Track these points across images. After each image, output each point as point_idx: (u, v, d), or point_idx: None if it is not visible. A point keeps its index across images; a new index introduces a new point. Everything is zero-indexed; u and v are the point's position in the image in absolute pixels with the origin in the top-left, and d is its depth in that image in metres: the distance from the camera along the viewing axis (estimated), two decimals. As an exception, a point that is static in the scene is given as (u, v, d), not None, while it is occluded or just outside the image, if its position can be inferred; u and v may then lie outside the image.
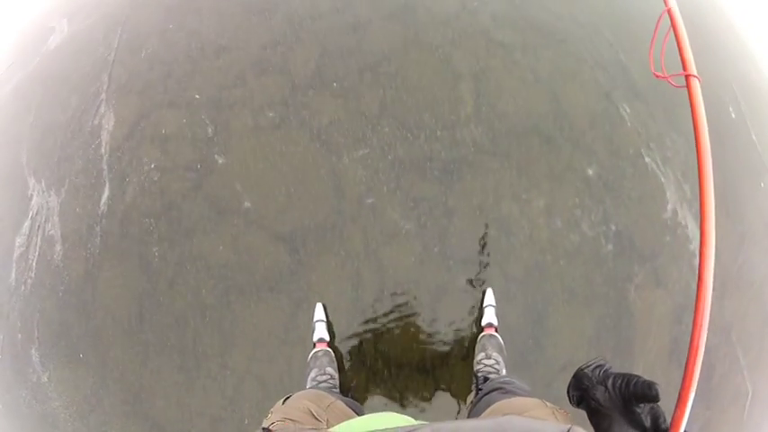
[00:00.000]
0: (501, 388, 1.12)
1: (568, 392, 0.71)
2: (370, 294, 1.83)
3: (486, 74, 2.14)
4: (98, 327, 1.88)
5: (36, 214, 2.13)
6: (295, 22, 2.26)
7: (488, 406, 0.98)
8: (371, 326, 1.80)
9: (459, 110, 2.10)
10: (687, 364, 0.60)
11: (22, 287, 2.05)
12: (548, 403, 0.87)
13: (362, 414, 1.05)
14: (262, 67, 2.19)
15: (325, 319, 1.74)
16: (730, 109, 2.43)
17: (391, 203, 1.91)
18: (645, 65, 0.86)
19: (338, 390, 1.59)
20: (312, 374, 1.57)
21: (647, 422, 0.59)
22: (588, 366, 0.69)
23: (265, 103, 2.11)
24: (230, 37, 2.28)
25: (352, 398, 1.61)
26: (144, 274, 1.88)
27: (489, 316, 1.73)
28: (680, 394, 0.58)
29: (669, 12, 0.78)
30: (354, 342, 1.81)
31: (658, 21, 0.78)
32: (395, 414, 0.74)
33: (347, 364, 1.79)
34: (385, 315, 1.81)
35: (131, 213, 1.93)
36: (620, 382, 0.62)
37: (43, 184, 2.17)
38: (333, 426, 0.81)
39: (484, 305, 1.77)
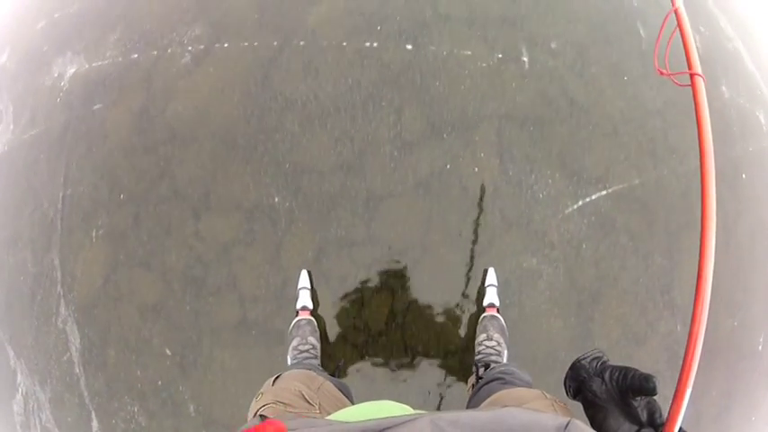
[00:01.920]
0: (501, 378, 1.00)
1: (565, 383, 0.62)
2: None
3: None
4: None
5: (27, 395, 1.79)
6: (291, 184, 1.45)
7: (488, 396, 0.89)
8: (362, 303, 1.49)
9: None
10: (685, 358, 0.52)
11: (33, 454, 1.88)
12: (547, 395, 0.78)
13: (350, 395, 1.01)
14: (243, 248, 1.51)
15: (309, 287, 1.48)
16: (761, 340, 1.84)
17: None
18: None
19: (319, 359, 1.43)
20: (294, 343, 1.40)
21: (643, 416, 0.52)
22: (585, 358, 0.60)
23: (248, 301, 1.54)
24: (204, 197, 1.52)
25: (338, 377, 1.49)
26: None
27: (491, 296, 1.45)
28: (677, 389, 0.51)
29: (676, 11, 0.69)
30: (344, 317, 1.51)
31: (665, 19, 0.69)
32: (391, 402, 0.65)
33: (337, 340, 1.51)
34: (378, 293, 1.49)
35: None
36: (617, 374, 0.54)
37: (23, 364, 1.76)
38: (325, 410, 0.77)
39: (485, 284, 1.47)
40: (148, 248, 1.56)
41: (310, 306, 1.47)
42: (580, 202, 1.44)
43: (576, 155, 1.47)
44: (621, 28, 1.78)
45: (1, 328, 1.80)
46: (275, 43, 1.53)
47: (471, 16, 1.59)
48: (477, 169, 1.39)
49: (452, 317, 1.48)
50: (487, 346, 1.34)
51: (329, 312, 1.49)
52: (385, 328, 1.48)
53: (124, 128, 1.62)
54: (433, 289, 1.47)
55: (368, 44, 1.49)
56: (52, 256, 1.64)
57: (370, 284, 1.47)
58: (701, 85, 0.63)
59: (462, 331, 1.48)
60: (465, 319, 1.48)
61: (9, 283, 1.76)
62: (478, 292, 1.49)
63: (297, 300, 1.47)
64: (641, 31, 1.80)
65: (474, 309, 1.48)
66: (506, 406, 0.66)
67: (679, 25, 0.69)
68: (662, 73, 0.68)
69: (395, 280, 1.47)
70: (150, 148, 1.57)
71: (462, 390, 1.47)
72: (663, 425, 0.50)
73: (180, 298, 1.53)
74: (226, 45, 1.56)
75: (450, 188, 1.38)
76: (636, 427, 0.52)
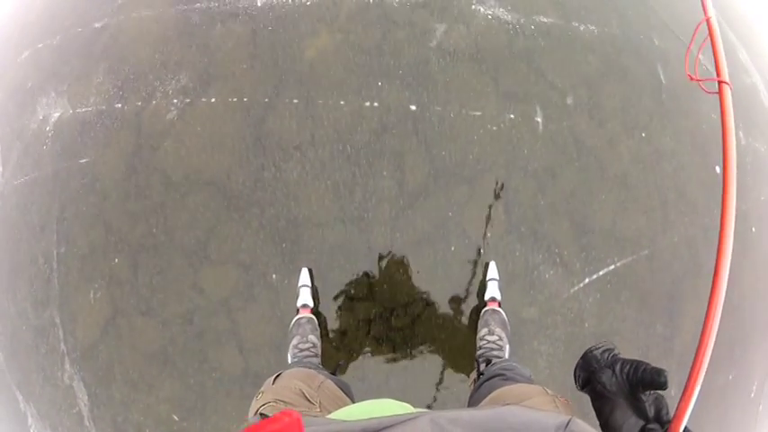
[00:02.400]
0: (502, 374, 0.94)
1: (575, 373, 0.58)
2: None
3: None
4: None
5: (39, 436, 1.73)
6: (288, 264, 1.29)
7: (489, 392, 0.84)
8: (361, 297, 1.36)
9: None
10: (696, 356, 0.49)
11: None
12: (548, 391, 0.73)
13: (351, 393, 0.97)
14: (242, 303, 1.38)
15: (310, 285, 1.36)
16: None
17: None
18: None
19: (320, 357, 1.35)
20: (294, 342, 1.31)
21: (651, 412, 0.48)
22: (597, 348, 0.56)
23: (249, 350, 1.43)
24: (198, 265, 1.37)
25: (339, 375, 1.42)
26: None
27: (492, 290, 1.32)
28: (686, 386, 0.48)
29: (708, 21, 0.68)
30: (345, 315, 1.37)
31: (697, 27, 0.68)
32: (392, 401, 0.61)
33: (338, 338, 1.38)
34: (379, 288, 1.34)
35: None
36: (628, 367, 0.51)
37: (33, 407, 1.69)
38: (326, 408, 0.74)
39: (487, 278, 1.35)
40: (148, 308, 1.42)
41: (311, 304, 1.35)
42: (587, 280, 1.28)
43: (587, 227, 1.30)
44: (641, 73, 1.53)
45: (9, 372, 1.72)
46: (266, 100, 1.31)
47: (482, 67, 1.35)
48: (483, 251, 1.22)
49: (454, 313, 1.36)
50: (489, 341, 1.23)
51: (330, 310, 1.36)
52: (386, 326, 1.39)
53: (113, 185, 1.44)
54: (434, 286, 1.33)
55: (368, 104, 1.27)
56: (52, 313, 1.52)
57: (371, 281, 1.33)
58: (727, 92, 0.61)
59: (464, 327, 1.37)
60: (467, 315, 1.36)
61: (12, 331, 1.66)
62: (480, 287, 1.35)
63: (297, 297, 1.34)
64: (662, 76, 1.56)
65: (475, 304, 1.36)
66: (507, 403, 0.64)
67: (710, 34, 0.66)
68: (691, 78, 0.66)
69: (396, 280, 1.32)
70: (140, 207, 1.40)
71: (464, 386, 1.38)
72: (669, 422, 0.47)
73: (183, 358, 1.42)
74: (213, 100, 1.34)
75: (453, 274, 1.22)
76: (642, 422, 0.48)
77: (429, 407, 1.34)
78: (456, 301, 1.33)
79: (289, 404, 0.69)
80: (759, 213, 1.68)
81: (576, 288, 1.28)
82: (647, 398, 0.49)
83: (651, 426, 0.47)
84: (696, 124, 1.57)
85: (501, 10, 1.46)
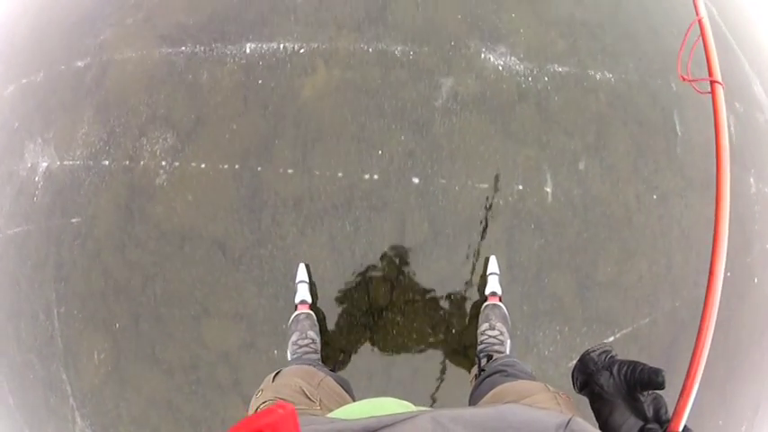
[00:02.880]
0: (503, 370, 0.90)
1: (573, 375, 0.56)
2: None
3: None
4: None
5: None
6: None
7: (490, 389, 0.80)
8: (360, 292, 1.26)
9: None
10: (693, 353, 0.47)
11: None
12: (550, 387, 0.70)
13: (351, 390, 0.95)
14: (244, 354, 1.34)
15: (307, 281, 1.28)
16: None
17: None
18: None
19: (319, 353, 1.28)
20: (293, 338, 1.24)
21: (649, 412, 0.47)
22: (595, 351, 0.55)
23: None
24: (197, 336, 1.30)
25: (339, 371, 1.39)
26: None
27: (493, 284, 1.25)
28: (684, 385, 0.46)
29: (700, 21, 0.68)
30: (344, 311, 1.28)
31: (689, 28, 0.67)
32: (393, 399, 0.59)
33: (337, 334, 1.30)
34: (378, 282, 1.26)
35: None
36: (625, 368, 0.49)
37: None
38: (326, 406, 0.72)
39: (487, 273, 1.27)
40: (153, 370, 1.36)
41: (309, 299, 1.27)
42: (588, 354, 1.21)
43: (591, 302, 1.21)
44: (657, 124, 1.37)
45: (20, 413, 1.69)
46: (259, 168, 1.17)
47: (490, 129, 1.19)
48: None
49: (454, 309, 1.30)
50: (490, 336, 1.17)
51: (328, 306, 1.28)
52: (386, 322, 1.33)
53: (106, 248, 1.33)
54: (435, 281, 1.24)
55: (367, 176, 1.14)
56: (58, 368, 1.46)
57: (371, 278, 1.24)
58: (720, 92, 0.60)
59: (465, 323, 1.30)
60: (467, 311, 1.29)
61: (21, 377, 1.61)
62: (480, 282, 1.29)
63: (295, 293, 1.27)
64: (678, 127, 1.40)
65: (476, 299, 1.30)
66: (509, 401, 0.62)
67: (702, 34, 0.65)
68: (684, 79, 0.65)
69: (395, 272, 1.24)
70: (137, 274, 1.30)
71: (465, 382, 1.32)
72: (668, 421, 0.46)
73: (191, 414, 1.38)
74: (203, 166, 1.20)
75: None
76: (641, 422, 0.47)
77: (430, 402, 1.29)
78: (456, 297, 1.26)
79: (288, 402, 0.64)
80: (763, 262, 1.58)
81: (573, 363, 1.21)
82: (646, 398, 0.47)
83: (650, 426, 0.46)
84: (710, 178, 1.43)
85: (513, 59, 1.28)
